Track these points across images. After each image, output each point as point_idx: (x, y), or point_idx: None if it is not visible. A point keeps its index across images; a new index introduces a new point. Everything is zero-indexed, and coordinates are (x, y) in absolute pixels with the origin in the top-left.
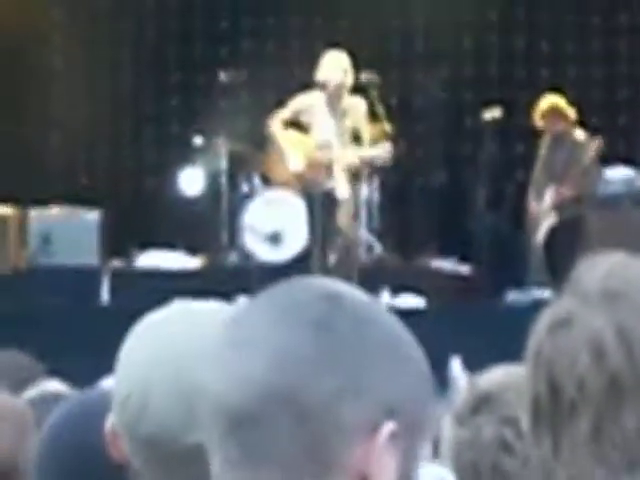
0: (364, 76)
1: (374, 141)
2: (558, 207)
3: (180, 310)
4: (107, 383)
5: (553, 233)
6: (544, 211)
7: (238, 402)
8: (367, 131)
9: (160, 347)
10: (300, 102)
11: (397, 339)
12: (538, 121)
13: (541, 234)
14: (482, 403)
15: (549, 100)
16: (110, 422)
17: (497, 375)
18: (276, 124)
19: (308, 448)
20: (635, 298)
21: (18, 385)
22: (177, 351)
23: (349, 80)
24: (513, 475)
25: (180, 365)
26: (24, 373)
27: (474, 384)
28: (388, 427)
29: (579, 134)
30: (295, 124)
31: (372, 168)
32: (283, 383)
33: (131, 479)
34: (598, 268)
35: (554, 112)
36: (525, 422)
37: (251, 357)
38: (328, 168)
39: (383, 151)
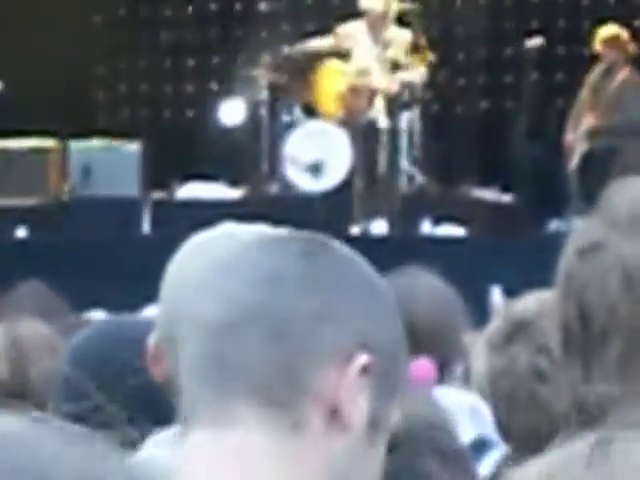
0: (406, 5)
1: (415, 67)
2: (590, 135)
3: (227, 231)
4: (149, 312)
5: (585, 161)
6: (579, 139)
7: (217, 316)
8: (408, 62)
9: (218, 255)
10: (343, 29)
11: (375, 280)
12: (597, 46)
13: (574, 162)
14: (516, 331)
15: (613, 29)
16: (153, 340)
17: (531, 302)
18: (317, 46)
19: (280, 367)
20: None
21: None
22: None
23: (392, 9)
24: (549, 403)
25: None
26: (46, 306)
27: (508, 311)
28: (361, 359)
29: (631, 71)
30: (337, 54)
31: (413, 97)
32: (262, 300)
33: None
34: (627, 193)
35: (615, 41)
36: (556, 347)
37: (233, 277)
38: (369, 97)
39: (418, 74)
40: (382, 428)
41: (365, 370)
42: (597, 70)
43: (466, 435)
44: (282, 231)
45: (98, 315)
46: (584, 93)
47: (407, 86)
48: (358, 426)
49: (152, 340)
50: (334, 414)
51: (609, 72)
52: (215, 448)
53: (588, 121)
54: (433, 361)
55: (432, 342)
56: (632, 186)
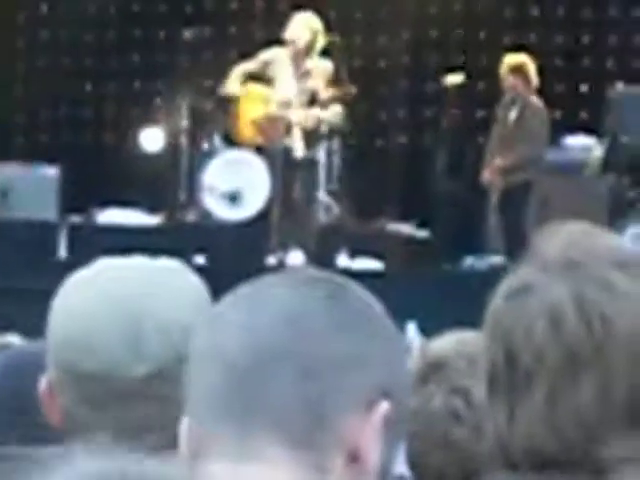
0: (329, 37)
1: (332, 103)
2: (505, 172)
3: (131, 261)
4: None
5: (503, 198)
6: (495, 176)
7: (242, 352)
8: (326, 94)
9: (109, 286)
10: (266, 55)
11: (390, 325)
12: (503, 76)
13: (493, 199)
14: (432, 371)
15: (517, 57)
16: (45, 380)
17: (448, 342)
18: (237, 72)
19: (307, 408)
20: (596, 268)
21: None
22: (130, 290)
23: (318, 42)
24: (463, 444)
25: (131, 302)
26: None
27: (425, 351)
28: (384, 407)
29: (535, 100)
30: (258, 78)
31: (329, 131)
32: (292, 339)
33: (66, 438)
34: (558, 237)
35: (519, 69)
36: (480, 391)
37: (259, 313)
38: (287, 127)
39: (334, 113)
40: (388, 475)
41: (386, 418)
42: (504, 102)
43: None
44: (305, 271)
45: (13, 339)
46: (495, 127)
47: (322, 123)
48: (372, 471)
49: (43, 382)
50: (354, 459)
51: (514, 103)
52: None
53: (502, 156)
54: None
55: None
56: (563, 230)
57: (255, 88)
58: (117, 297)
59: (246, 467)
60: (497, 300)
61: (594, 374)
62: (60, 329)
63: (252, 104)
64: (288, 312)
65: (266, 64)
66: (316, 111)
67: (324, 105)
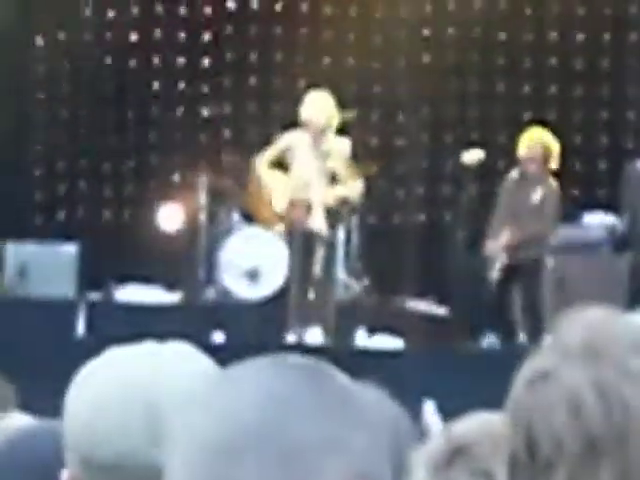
0: (346, 116)
1: (352, 180)
2: (510, 249)
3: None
4: None
5: (508, 275)
6: (498, 250)
7: (219, 435)
8: (347, 174)
9: (120, 376)
10: (284, 142)
11: (370, 410)
12: (521, 151)
13: (494, 274)
14: (456, 455)
15: (537, 133)
16: (66, 474)
17: (472, 424)
18: (262, 164)
19: None
20: (616, 355)
21: None
22: (141, 379)
23: (333, 121)
24: None
25: (143, 390)
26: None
27: (448, 433)
28: None
29: (551, 180)
30: (278, 163)
31: (350, 208)
32: (271, 421)
33: None
34: (578, 322)
35: (542, 147)
36: (502, 475)
37: (240, 395)
38: (308, 208)
39: (354, 190)
40: None
41: None
42: (513, 176)
43: None
44: (288, 357)
45: (22, 420)
46: (503, 202)
47: (343, 200)
48: None
49: (66, 474)
50: None
51: (526, 179)
52: None
53: (508, 232)
54: None
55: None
56: (585, 315)
57: (276, 176)
58: (129, 385)
59: None
60: (517, 387)
61: (614, 462)
62: (74, 422)
63: (275, 191)
64: (269, 395)
65: (285, 150)
66: (336, 189)
67: (344, 182)
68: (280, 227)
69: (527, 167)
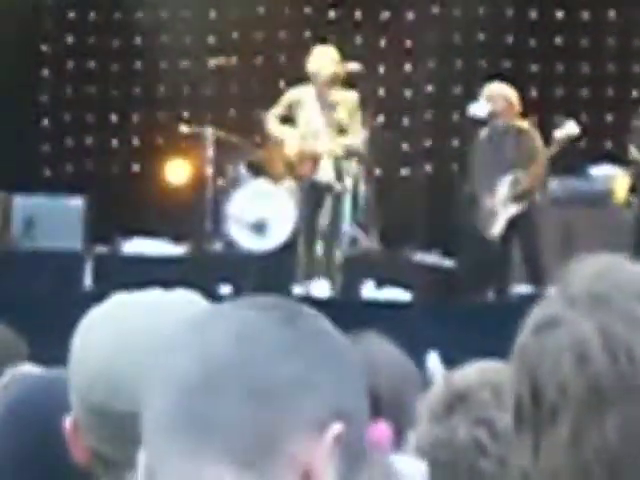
0: (353, 67)
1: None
2: (517, 198)
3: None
4: None
5: (511, 226)
6: (500, 204)
7: (192, 373)
8: (355, 124)
9: (130, 323)
10: (291, 96)
11: (348, 350)
12: (489, 104)
13: (498, 227)
14: (457, 402)
15: (497, 87)
16: (70, 419)
17: (472, 372)
18: (271, 119)
19: (257, 429)
20: (623, 302)
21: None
22: (150, 325)
23: (339, 73)
24: (489, 476)
25: (151, 336)
26: (7, 350)
27: (449, 381)
28: (336, 427)
29: (523, 122)
30: (286, 118)
31: (357, 160)
32: (241, 359)
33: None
34: (584, 270)
35: (499, 98)
36: (505, 422)
37: (214, 335)
38: (316, 160)
39: (359, 138)
40: None
41: (338, 439)
42: (487, 130)
43: None
44: (261, 297)
45: (30, 369)
46: (480, 156)
47: (350, 150)
48: None
49: (69, 421)
50: (306, 479)
51: (500, 129)
52: None
53: (508, 182)
54: (391, 427)
55: (392, 408)
56: (589, 262)
57: (285, 129)
58: (139, 332)
59: None
60: (524, 334)
61: (619, 409)
62: (83, 371)
63: (280, 145)
64: (240, 333)
65: (292, 104)
66: (343, 139)
67: (350, 132)
68: (288, 180)
69: (497, 120)
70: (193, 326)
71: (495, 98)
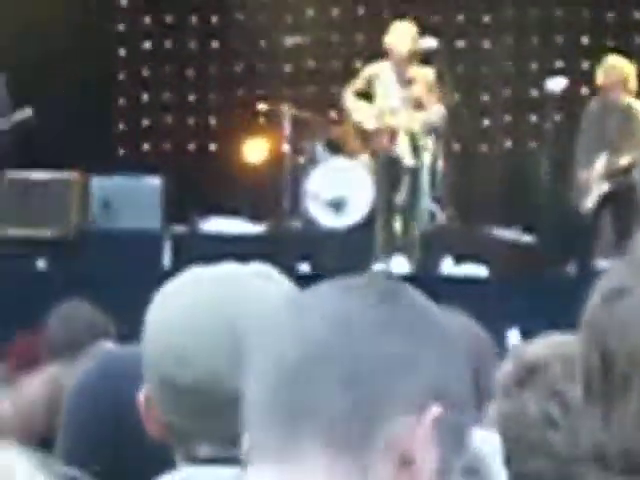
0: (427, 42)
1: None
2: (611, 176)
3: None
4: None
5: (604, 202)
6: (595, 179)
7: (292, 355)
8: (432, 100)
9: (202, 297)
10: (369, 72)
11: (447, 330)
12: (600, 79)
13: (590, 202)
14: (527, 375)
15: (616, 60)
16: (143, 393)
17: (542, 346)
18: (348, 95)
19: (354, 411)
20: None
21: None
22: (221, 300)
23: (416, 49)
24: (559, 449)
25: (223, 311)
26: (95, 328)
27: (519, 354)
28: (435, 410)
29: (636, 103)
30: (363, 94)
31: (435, 135)
32: (339, 342)
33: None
34: None
35: (616, 74)
36: (576, 395)
37: (312, 319)
38: (393, 135)
39: (437, 114)
40: (448, 478)
41: (438, 421)
42: (595, 103)
43: (500, 477)
44: (359, 277)
45: (111, 346)
46: (586, 132)
47: (427, 125)
48: (427, 476)
49: (142, 394)
50: (405, 462)
51: (609, 107)
52: None
53: (604, 160)
54: None
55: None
56: None
57: (363, 104)
58: (210, 307)
59: (291, 470)
60: (592, 303)
61: None
62: (155, 343)
63: (363, 119)
64: (338, 315)
65: (370, 79)
66: (420, 114)
67: (427, 108)
68: (366, 156)
69: (607, 94)
70: (289, 310)
71: (609, 71)
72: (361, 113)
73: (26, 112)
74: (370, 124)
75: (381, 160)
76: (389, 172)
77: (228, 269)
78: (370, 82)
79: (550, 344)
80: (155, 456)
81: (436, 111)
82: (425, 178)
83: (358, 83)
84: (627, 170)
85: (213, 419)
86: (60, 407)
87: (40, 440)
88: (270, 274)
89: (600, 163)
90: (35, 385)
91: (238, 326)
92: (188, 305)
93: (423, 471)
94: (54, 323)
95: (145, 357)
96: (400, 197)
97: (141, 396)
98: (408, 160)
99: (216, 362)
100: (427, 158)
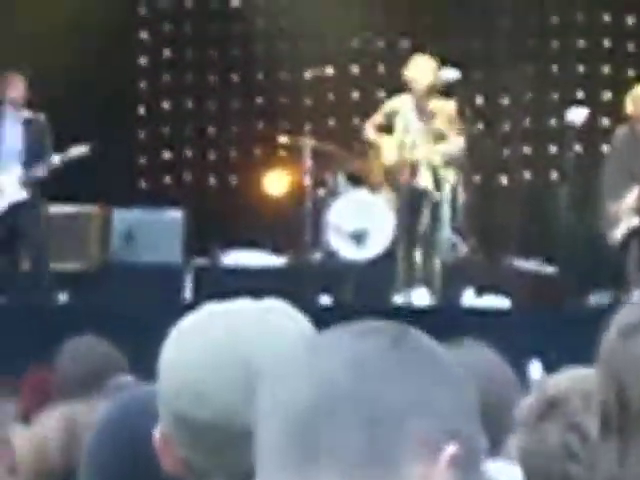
0: (447, 74)
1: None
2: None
3: (236, 305)
4: None
5: (633, 235)
6: (624, 211)
7: (307, 397)
8: (453, 132)
9: (217, 334)
10: (390, 105)
11: (457, 371)
12: (628, 108)
13: (619, 234)
14: (548, 409)
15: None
16: (159, 430)
17: (564, 379)
18: (370, 128)
19: (370, 454)
20: None
21: (96, 374)
22: (237, 336)
23: (436, 82)
24: None
25: (239, 347)
26: (108, 363)
27: (541, 388)
28: (452, 449)
29: None
30: (385, 128)
31: (455, 166)
32: (354, 385)
33: None
34: None
35: None
36: (594, 428)
37: (328, 361)
38: (414, 168)
39: (456, 146)
40: None
41: (454, 460)
42: (623, 133)
43: None
44: (368, 322)
45: (128, 380)
46: (612, 162)
47: (447, 156)
48: None
49: (158, 431)
50: None
51: (636, 136)
52: None
53: (637, 192)
54: (487, 434)
55: (488, 415)
56: None
57: (384, 138)
58: (225, 343)
59: None
60: (609, 337)
61: None
62: (171, 380)
63: (380, 153)
64: (351, 359)
65: (391, 114)
66: (440, 146)
67: (447, 140)
68: (387, 189)
69: (636, 125)
70: (304, 352)
71: (637, 101)
72: (383, 147)
73: (82, 148)
74: (391, 157)
75: (402, 192)
76: (410, 204)
77: (243, 305)
78: (390, 116)
79: (572, 378)
80: None
81: (455, 142)
82: (446, 209)
83: (378, 117)
84: None
85: (229, 454)
86: (76, 444)
87: (55, 478)
88: (286, 310)
89: (631, 197)
90: (50, 422)
91: (253, 362)
92: (203, 342)
93: None
94: (65, 358)
95: (160, 393)
96: (421, 229)
97: (157, 433)
98: (429, 191)
99: (232, 398)
100: (448, 189)
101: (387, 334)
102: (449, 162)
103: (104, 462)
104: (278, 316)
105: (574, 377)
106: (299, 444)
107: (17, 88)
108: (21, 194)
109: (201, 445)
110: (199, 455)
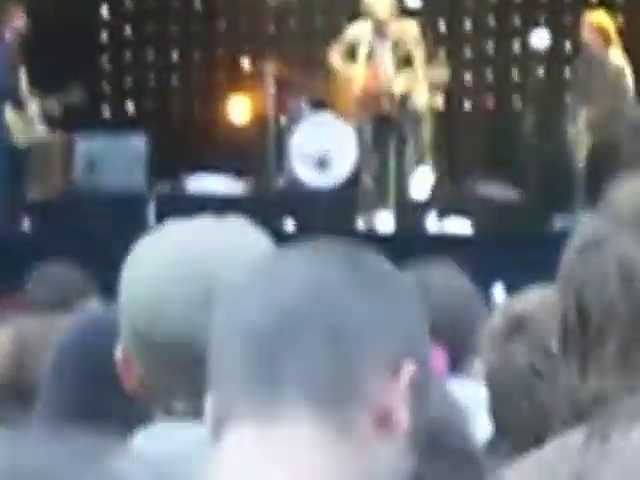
0: (409, 3)
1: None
2: (591, 129)
3: (195, 222)
4: None
5: (590, 156)
6: (578, 134)
7: (264, 322)
8: (419, 53)
9: (173, 249)
10: (350, 34)
11: (411, 290)
12: (585, 33)
13: (580, 157)
14: (513, 328)
15: (600, 15)
16: (120, 349)
17: (528, 299)
18: (334, 55)
19: (333, 370)
20: None
21: (64, 299)
22: (194, 251)
23: (394, 6)
24: (545, 400)
25: (196, 262)
26: (77, 288)
27: (506, 308)
28: (411, 369)
29: (615, 56)
30: (349, 54)
31: (424, 92)
32: (315, 305)
33: (143, 407)
34: (631, 190)
35: (601, 28)
36: (554, 344)
37: (284, 285)
38: (381, 94)
39: (442, 75)
40: (418, 436)
41: (413, 379)
42: (583, 58)
43: (483, 430)
44: (322, 242)
45: (95, 306)
46: (573, 85)
47: (433, 85)
48: (404, 432)
49: (119, 350)
50: (383, 421)
51: (591, 61)
52: (259, 445)
53: (588, 113)
54: (448, 353)
55: (447, 333)
56: (637, 183)
57: (349, 65)
58: (182, 258)
59: (271, 430)
60: (569, 254)
61: None
62: (128, 297)
63: (345, 82)
64: (308, 280)
65: (353, 42)
66: (420, 73)
67: (425, 65)
68: (353, 114)
69: (589, 49)
70: (259, 274)
71: (588, 27)
72: (348, 73)
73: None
74: (357, 85)
75: (369, 119)
76: (376, 130)
77: (204, 223)
78: (352, 44)
79: (535, 297)
80: (137, 413)
81: (442, 72)
82: (411, 135)
83: (341, 44)
84: (606, 123)
85: (187, 373)
86: (28, 359)
87: (6, 392)
88: (245, 226)
89: (582, 117)
90: (1, 337)
91: (211, 278)
92: (159, 257)
93: (399, 429)
94: (35, 285)
95: (120, 312)
96: (386, 153)
97: (118, 352)
98: (396, 118)
99: (189, 314)
100: (413, 115)
101: (341, 255)
102: (430, 88)
103: (66, 381)
104: (237, 232)
105: (539, 296)
106: (263, 369)
107: (20, 18)
108: None
109: (159, 362)
110: (159, 374)
